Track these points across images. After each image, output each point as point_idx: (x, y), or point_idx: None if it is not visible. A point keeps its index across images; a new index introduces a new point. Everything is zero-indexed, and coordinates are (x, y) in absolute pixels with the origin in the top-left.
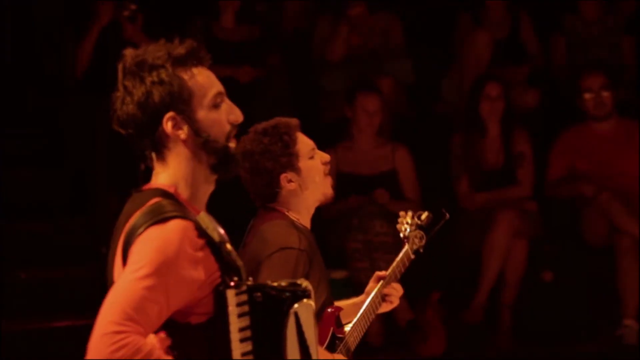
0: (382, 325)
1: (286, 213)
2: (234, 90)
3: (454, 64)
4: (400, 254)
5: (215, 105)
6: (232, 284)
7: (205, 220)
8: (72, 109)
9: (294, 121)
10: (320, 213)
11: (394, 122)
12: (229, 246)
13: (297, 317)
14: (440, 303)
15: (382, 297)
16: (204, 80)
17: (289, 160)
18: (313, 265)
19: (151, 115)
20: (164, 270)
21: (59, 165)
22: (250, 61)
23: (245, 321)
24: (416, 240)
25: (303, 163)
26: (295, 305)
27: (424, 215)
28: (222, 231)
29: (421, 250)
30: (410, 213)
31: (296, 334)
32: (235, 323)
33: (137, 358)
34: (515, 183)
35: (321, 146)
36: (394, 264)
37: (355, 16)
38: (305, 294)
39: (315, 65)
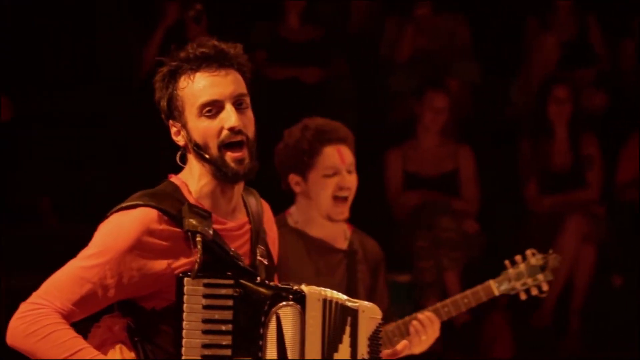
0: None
1: (287, 215)
2: (298, 91)
3: (522, 67)
4: (478, 287)
5: (204, 114)
6: (195, 274)
7: (191, 212)
8: (137, 110)
9: (342, 134)
10: (390, 214)
11: (460, 124)
12: (223, 245)
13: (279, 319)
14: (508, 307)
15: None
16: (197, 88)
17: (301, 165)
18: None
19: (164, 120)
20: (106, 254)
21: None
22: (315, 62)
23: (225, 315)
24: (517, 282)
25: (314, 175)
26: (280, 307)
27: (556, 261)
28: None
29: (513, 293)
30: (533, 251)
31: (276, 336)
32: (196, 313)
33: (32, 329)
34: (583, 186)
35: (386, 147)
36: (459, 295)
37: (421, 17)
38: (295, 296)
39: (381, 66)
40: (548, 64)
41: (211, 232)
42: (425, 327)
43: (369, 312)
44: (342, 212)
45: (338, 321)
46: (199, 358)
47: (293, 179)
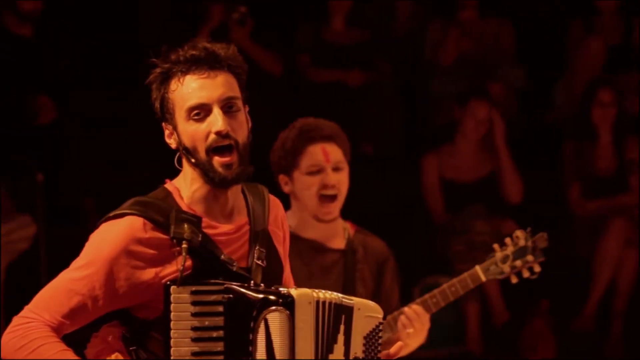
0: (479, 331)
1: None
2: (343, 94)
3: (566, 70)
4: (465, 275)
5: (192, 118)
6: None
7: (178, 219)
8: None
9: (322, 130)
10: (430, 220)
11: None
12: (214, 250)
13: (267, 324)
14: (550, 311)
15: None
16: (186, 91)
17: (287, 165)
18: None
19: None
20: (94, 264)
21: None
22: (360, 65)
23: (216, 321)
24: (504, 265)
25: (298, 175)
26: (268, 312)
27: (542, 240)
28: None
29: (502, 277)
30: (522, 233)
31: (265, 341)
32: (184, 321)
33: (21, 343)
34: (626, 190)
35: (429, 150)
36: (446, 285)
37: (466, 20)
38: (283, 301)
39: (426, 70)
40: (593, 67)
41: (199, 238)
42: (412, 321)
43: (365, 311)
44: (330, 211)
45: (332, 321)
46: None
47: (282, 179)
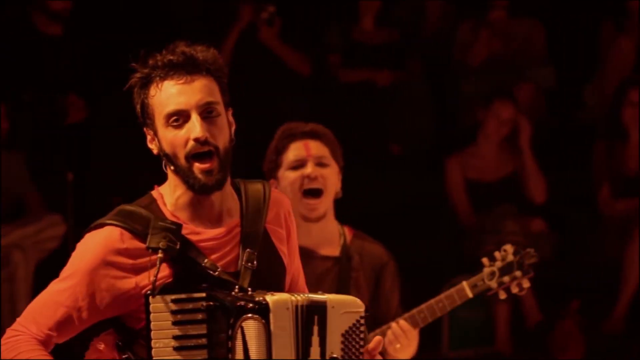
0: (510, 331)
1: None
2: (372, 94)
3: (597, 71)
4: (452, 290)
5: (171, 124)
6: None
7: (156, 228)
8: None
9: (304, 127)
10: (456, 220)
11: (534, 128)
12: (195, 257)
13: (243, 332)
14: (579, 312)
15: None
16: (165, 96)
17: (273, 168)
18: None
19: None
20: (76, 275)
21: None
22: (389, 64)
23: (199, 329)
24: (491, 281)
25: (281, 172)
26: (243, 319)
27: (529, 256)
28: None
29: (490, 293)
30: (511, 248)
31: (242, 349)
32: (165, 330)
33: (9, 356)
34: None
35: (453, 151)
36: (433, 300)
37: (496, 21)
38: (257, 307)
39: (455, 70)
40: (624, 67)
41: (177, 246)
42: (398, 337)
43: (342, 307)
44: (313, 208)
45: (305, 323)
46: None
47: (273, 184)
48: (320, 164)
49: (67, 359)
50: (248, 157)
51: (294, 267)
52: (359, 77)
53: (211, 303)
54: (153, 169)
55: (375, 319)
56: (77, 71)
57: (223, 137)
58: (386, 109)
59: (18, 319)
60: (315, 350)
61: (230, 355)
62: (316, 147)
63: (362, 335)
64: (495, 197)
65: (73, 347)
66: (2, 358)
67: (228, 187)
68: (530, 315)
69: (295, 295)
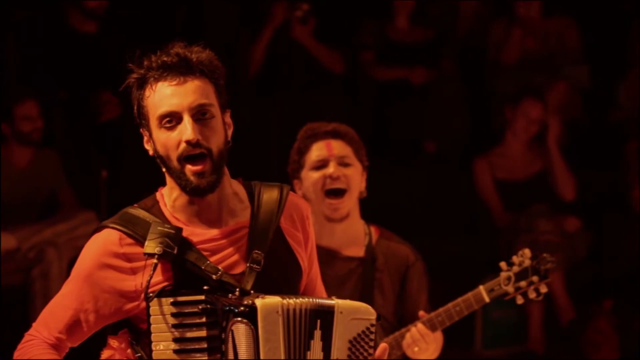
0: (543, 331)
1: None
2: (406, 92)
3: (630, 69)
4: (469, 294)
5: (164, 126)
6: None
7: (154, 233)
8: (245, 111)
9: (326, 127)
10: (490, 219)
11: (568, 127)
12: (195, 260)
13: (233, 336)
14: (613, 311)
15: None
16: (158, 98)
17: (297, 169)
18: None
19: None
20: (79, 278)
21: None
22: (423, 63)
23: (199, 332)
24: (507, 286)
25: (305, 173)
26: (233, 323)
27: (544, 262)
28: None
29: (507, 298)
30: (528, 252)
31: (233, 352)
32: (165, 332)
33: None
34: None
35: (485, 151)
36: (451, 304)
37: (529, 20)
38: (246, 313)
39: (489, 69)
40: None
41: (175, 251)
42: (416, 341)
43: (351, 313)
44: (336, 207)
45: (305, 328)
46: None
47: (296, 185)
48: (343, 163)
49: (84, 355)
50: (283, 157)
51: (313, 271)
52: (394, 75)
53: (207, 306)
54: None
55: (402, 319)
56: (111, 69)
57: (217, 139)
58: (420, 108)
59: (33, 324)
60: (315, 355)
61: (223, 359)
62: (339, 147)
63: (371, 343)
64: (527, 196)
65: (90, 344)
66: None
67: (229, 189)
68: (564, 314)
69: (294, 299)
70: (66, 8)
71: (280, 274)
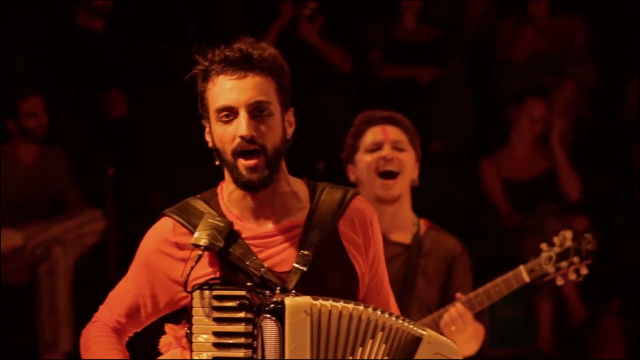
0: (553, 330)
1: None
2: (414, 91)
3: (639, 69)
4: (509, 274)
5: (221, 119)
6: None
7: (205, 225)
8: None
9: (382, 113)
10: (497, 218)
11: (575, 126)
12: (241, 255)
13: (262, 331)
14: (620, 310)
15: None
16: (218, 91)
17: (351, 153)
18: None
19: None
20: (137, 264)
21: None
22: (431, 62)
23: (238, 327)
24: (548, 266)
25: (359, 156)
26: (262, 319)
27: (586, 242)
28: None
29: (547, 278)
30: (569, 234)
31: (260, 349)
32: (205, 325)
33: (83, 340)
34: None
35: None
36: (490, 284)
37: (538, 18)
38: (272, 310)
39: (497, 68)
40: None
41: (221, 244)
42: (454, 320)
43: (438, 347)
44: (389, 187)
45: (347, 332)
46: None
47: (349, 170)
48: (397, 148)
49: (144, 340)
50: (289, 155)
51: (376, 278)
52: (401, 74)
53: (245, 302)
54: (192, 165)
55: (447, 309)
56: (118, 67)
57: (272, 137)
58: (428, 106)
59: (100, 306)
60: None
61: (254, 355)
62: (394, 132)
63: None
64: (534, 195)
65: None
66: (81, 343)
67: (285, 187)
68: (576, 313)
69: (332, 302)
70: (73, 6)
71: (331, 276)
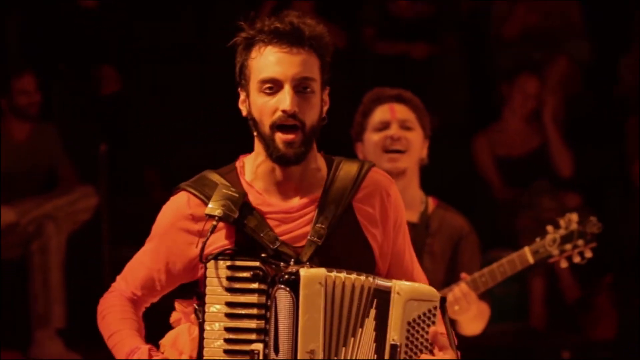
0: (545, 307)
1: None
2: (407, 67)
3: (633, 44)
4: (514, 255)
5: (263, 90)
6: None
7: (218, 195)
8: None
9: (391, 91)
10: (490, 194)
11: (569, 103)
12: (255, 227)
13: (275, 302)
14: (612, 286)
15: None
16: (264, 62)
17: (360, 131)
18: None
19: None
20: (154, 238)
21: None
22: (424, 38)
23: (250, 298)
24: (552, 248)
25: (367, 135)
26: (276, 290)
27: (591, 225)
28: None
29: (552, 260)
30: (575, 216)
31: (273, 319)
32: (219, 295)
33: (100, 309)
34: None
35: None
36: (495, 264)
37: None
38: (287, 280)
39: (491, 44)
40: None
41: (235, 215)
42: (458, 300)
43: (410, 294)
44: (396, 159)
45: (360, 305)
46: (221, 340)
47: (358, 148)
48: (405, 127)
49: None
50: None
51: (396, 250)
52: (395, 50)
53: (259, 273)
54: (185, 141)
55: (451, 289)
56: (111, 43)
57: (312, 114)
58: (422, 82)
59: (118, 276)
60: (368, 333)
61: (267, 326)
62: (402, 111)
63: (431, 327)
64: (527, 171)
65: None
66: (97, 312)
67: (312, 163)
68: (568, 290)
69: (345, 274)
70: None
71: (344, 250)
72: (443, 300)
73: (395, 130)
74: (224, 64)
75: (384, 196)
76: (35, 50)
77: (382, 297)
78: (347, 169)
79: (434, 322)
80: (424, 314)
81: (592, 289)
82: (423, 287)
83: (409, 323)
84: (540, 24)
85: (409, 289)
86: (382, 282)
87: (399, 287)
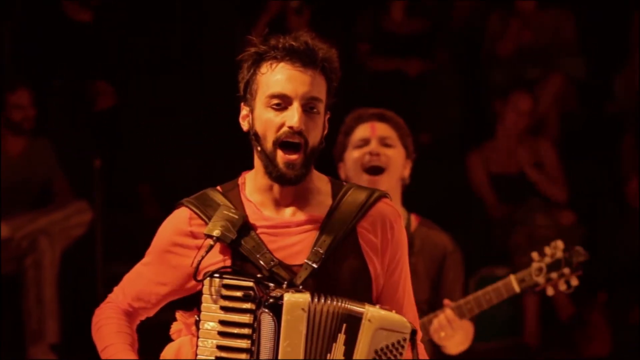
0: (539, 324)
1: None
2: (401, 83)
3: (627, 62)
4: (500, 283)
5: (271, 106)
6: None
7: (219, 216)
8: (238, 100)
9: (371, 110)
10: (484, 211)
11: (563, 120)
12: (252, 248)
13: (260, 325)
14: (606, 303)
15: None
16: (275, 78)
17: (342, 150)
18: None
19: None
20: (154, 251)
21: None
22: (419, 54)
23: (244, 318)
24: (538, 277)
25: (347, 153)
26: (260, 312)
27: (578, 254)
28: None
29: (538, 289)
30: (561, 244)
31: (257, 341)
32: (213, 313)
33: (95, 321)
34: None
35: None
36: (480, 292)
37: (525, 11)
38: (271, 304)
39: (485, 61)
40: None
41: (233, 236)
42: (443, 327)
43: (379, 323)
44: (375, 182)
45: (330, 330)
46: (213, 358)
47: (340, 167)
48: (385, 144)
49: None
50: None
51: (392, 281)
52: (389, 66)
53: (250, 293)
54: (180, 157)
55: (436, 307)
56: (106, 58)
57: (316, 135)
58: (415, 99)
59: (115, 287)
60: (336, 357)
61: (252, 347)
62: (382, 129)
63: (399, 357)
64: (520, 189)
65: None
66: (92, 322)
67: (314, 183)
68: (563, 308)
69: (329, 300)
70: None
71: (343, 275)
72: (414, 332)
73: (375, 146)
74: (219, 79)
75: (388, 228)
76: (30, 65)
77: (353, 323)
78: (356, 195)
79: (401, 354)
80: (392, 345)
81: (586, 305)
82: (396, 317)
83: (376, 352)
84: (535, 41)
85: (380, 318)
86: (354, 307)
87: (372, 314)
